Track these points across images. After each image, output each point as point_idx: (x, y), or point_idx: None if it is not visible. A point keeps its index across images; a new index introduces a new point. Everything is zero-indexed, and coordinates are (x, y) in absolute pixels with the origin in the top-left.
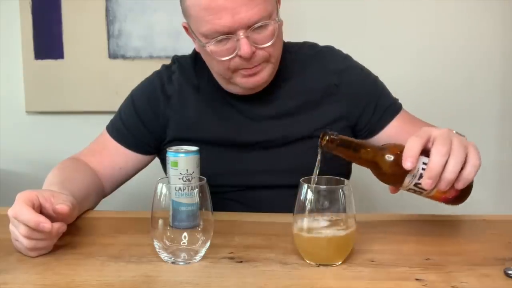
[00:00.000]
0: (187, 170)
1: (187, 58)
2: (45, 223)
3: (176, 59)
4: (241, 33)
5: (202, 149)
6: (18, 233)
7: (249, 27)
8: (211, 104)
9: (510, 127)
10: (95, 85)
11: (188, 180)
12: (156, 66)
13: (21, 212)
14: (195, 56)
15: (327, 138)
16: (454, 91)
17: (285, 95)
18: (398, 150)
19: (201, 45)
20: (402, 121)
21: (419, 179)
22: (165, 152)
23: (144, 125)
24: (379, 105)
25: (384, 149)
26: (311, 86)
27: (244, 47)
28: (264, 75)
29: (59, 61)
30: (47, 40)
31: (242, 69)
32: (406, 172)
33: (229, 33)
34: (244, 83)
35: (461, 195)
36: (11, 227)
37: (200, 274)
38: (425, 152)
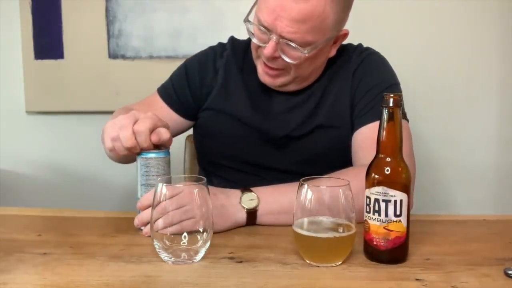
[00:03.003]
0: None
1: (242, 42)
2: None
3: (231, 39)
4: (274, 36)
5: (232, 124)
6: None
7: (282, 37)
8: (250, 86)
9: (510, 127)
10: (95, 85)
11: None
12: (156, 66)
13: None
14: (250, 42)
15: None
16: (453, 91)
17: (317, 93)
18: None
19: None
20: (370, 133)
21: None
22: (202, 118)
23: (190, 90)
24: (369, 104)
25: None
26: (336, 77)
27: (268, 48)
28: (277, 81)
29: (59, 61)
30: (47, 40)
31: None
32: None
33: (267, 29)
34: (261, 75)
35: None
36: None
37: (200, 274)
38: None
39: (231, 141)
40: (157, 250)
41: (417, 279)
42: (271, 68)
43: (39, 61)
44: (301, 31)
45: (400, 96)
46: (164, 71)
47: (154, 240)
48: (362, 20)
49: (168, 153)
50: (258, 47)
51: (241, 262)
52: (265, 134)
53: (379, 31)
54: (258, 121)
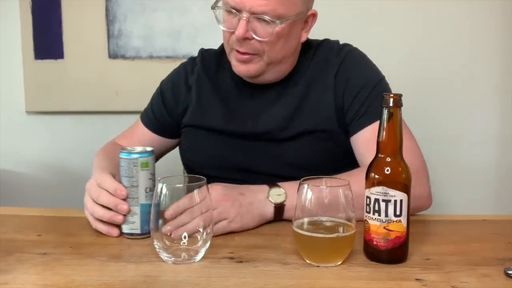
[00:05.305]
0: (154, 169)
1: (212, 51)
2: (123, 190)
3: (201, 52)
4: (244, 15)
5: (212, 137)
6: (91, 203)
7: (252, 13)
8: (224, 95)
9: (510, 127)
10: (95, 85)
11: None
12: (156, 66)
13: (104, 180)
14: (221, 50)
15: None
16: (453, 91)
17: (295, 93)
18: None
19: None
20: (371, 135)
21: None
22: (184, 134)
23: (168, 112)
24: (362, 107)
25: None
26: (316, 78)
27: (239, 28)
28: (251, 67)
29: (59, 61)
30: (47, 40)
31: (236, 50)
32: None
33: (236, 9)
34: (235, 66)
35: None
36: (86, 197)
37: (200, 274)
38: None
39: (216, 153)
40: (157, 250)
41: (417, 279)
42: (243, 54)
43: (39, 61)
44: (271, 2)
45: (400, 96)
46: (164, 71)
47: (154, 240)
48: (362, 19)
49: (141, 155)
50: (230, 36)
51: (241, 262)
52: (247, 141)
53: (379, 30)
54: (237, 129)
